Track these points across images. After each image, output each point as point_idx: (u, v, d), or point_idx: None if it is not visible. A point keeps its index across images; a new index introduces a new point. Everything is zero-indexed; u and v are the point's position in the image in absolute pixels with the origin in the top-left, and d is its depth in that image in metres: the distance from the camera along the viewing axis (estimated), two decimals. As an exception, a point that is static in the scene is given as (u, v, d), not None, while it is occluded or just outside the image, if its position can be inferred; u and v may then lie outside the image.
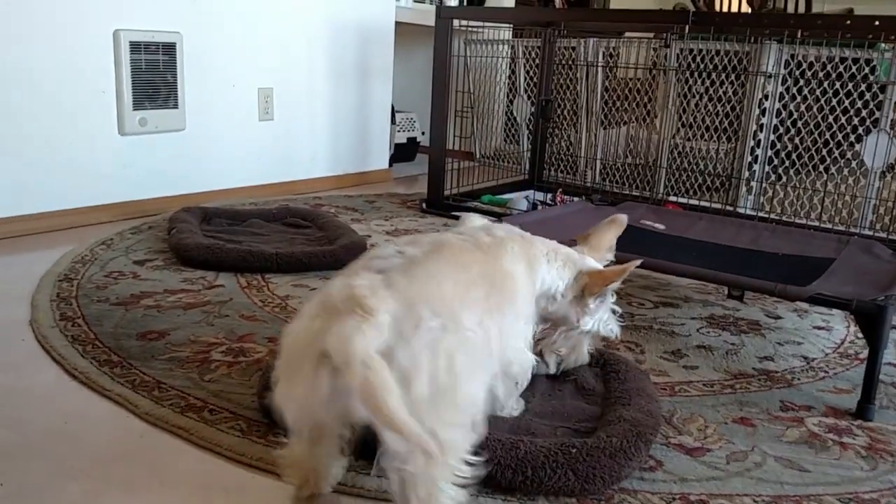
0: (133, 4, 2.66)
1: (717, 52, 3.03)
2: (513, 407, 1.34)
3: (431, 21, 3.09)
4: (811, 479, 1.25)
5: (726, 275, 1.76)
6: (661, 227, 2.16)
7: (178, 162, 2.90)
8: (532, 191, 3.37)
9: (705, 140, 3.17)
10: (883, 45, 2.67)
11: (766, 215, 2.81)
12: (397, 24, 3.72)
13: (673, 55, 3.18)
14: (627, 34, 3.59)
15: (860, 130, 2.74)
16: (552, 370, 1.48)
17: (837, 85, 2.74)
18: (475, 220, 1.36)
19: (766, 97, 2.93)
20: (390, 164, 3.88)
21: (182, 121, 2.87)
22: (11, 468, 1.18)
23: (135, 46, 2.66)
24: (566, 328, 1.41)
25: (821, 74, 2.78)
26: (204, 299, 1.92)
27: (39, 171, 2.50)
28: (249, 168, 3.18)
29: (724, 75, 3.04)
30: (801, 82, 2.82)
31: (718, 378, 1.63)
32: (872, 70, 2.69)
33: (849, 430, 1.43)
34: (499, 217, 2.44)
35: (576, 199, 3.16)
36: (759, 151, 2.97)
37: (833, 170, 2.83)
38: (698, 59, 3.10)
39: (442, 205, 3.12)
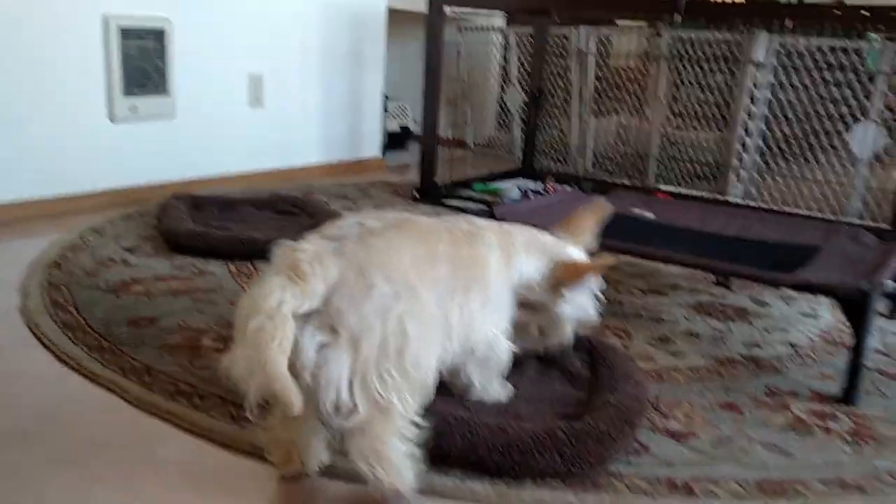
0: (122, -10, 2.64)
1: (708, 41, 3.04)
2: (498, 391, 1.35)
3: (423, 8, 3.09)
4: (796, 464, 1.27)
5: (714, 262, 1.78)
6: (650, 215, 2.18)
7: (169, 149, 2.89)
8: (524, 179, 3.38)
9: (695, 129, 3.18)
10: (872, 34, 2.68)
11: (755, 204, 2.82)
12: (389, 10, 3.71)
13: (665, 44, 3.19)
14: (619, 22, 3.59)
15: (849, 120, 2.76)
16: (539, 350, 1.49)
17: (827, 74, 2.75)
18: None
19: (756, 86, 2.94)
20: (382, 153, 3.88)
21: (172, 108, 2.86)
22: (3, 453, 1.18)
23: (125, 32, 2.64)
24: (546, 313, 1.42)
25: (810, 64, 2.79)
26: (194, 286, 1.92)
27: (30, 157, 2.49)
28: (240, 155, 3.17)
29: (714, 64, 3.05)
30: (791, 72, 2.83)
31: (705, 364, 1.65)
32: (861, 60, 2.70)
33: (834, 416, 1.45)
34: (489, 205, 2.44)
35: (567, 187, 3.17)
36: (748, 140, 2.99)
37: (822, 159, 2.85)
38: (689, 48, 3.10)
39: (434, 193, 3.12)
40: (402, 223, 1.15)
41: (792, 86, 2.85)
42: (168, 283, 1.94)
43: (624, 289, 2.12)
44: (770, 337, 1.83)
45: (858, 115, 2.72)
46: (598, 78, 3.46)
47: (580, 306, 1.40)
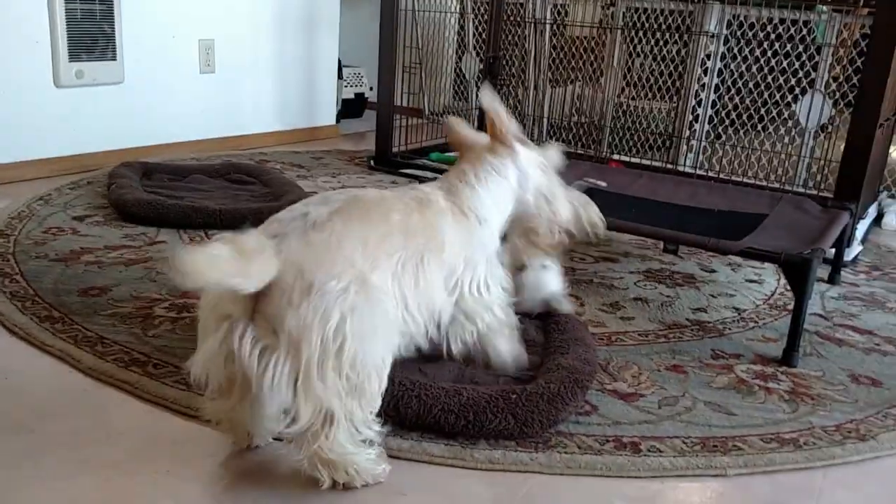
0: (65, -50, 2.55)
1: (662, 12, 3.07)
2: (505, 349, 1.32)
3: (378, -27, 3.05)
4: (737, 422, 1.32)
5: (663, 230, 1.82)
6: (603, 184, 2.21)
7: (117, 115, 2.82)
8: (479, 148, 3.38)
9: (649, 99, 3.22)
10: (821, 7, 2.74)
11: (706, 173, 2.89)
12: (344, -24, 3.65)
13: (619, 14, 3.21)
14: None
15: (797, 91, 2.82)
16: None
17: (776, 46, 2.81)
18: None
19: (709, 57, 2.99)
20: (338, 120, 3.84)
21: (120, 73, 2.79)
22: (-50, 423, 1.17)
23: (69, -6, 2.56)
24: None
25: (761, 35, 2.84)
26: (146, 255, 1.90)
27: (-30, 123, 2.42)
28: (191, 122, 3.11)
29: (668, 35, 3.08)
30: (742, 43, 2.88)
31: (653, 328, 1.70)
32: (810, 32, 2.76)
33: (774, 376, 1.51)
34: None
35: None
36: (700, 110, 3.04)
37: (770, 129, 2.92)
38: (644, 17, 3.13)
39: (390, 162, 3.11)
40: (352, 204, 1.12)
41: (743, 57, 2.90)
42: (119, 252, 1.91)
43: (577, 256, 2.16)
44: (716, 302, 1.89)
45: (806, 86, 2.78)
46: (553, 47, 3.47)
47: (534, 157, 1.37)
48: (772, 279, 2.09)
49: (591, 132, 3.36)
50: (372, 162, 3.15)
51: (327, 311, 0.98)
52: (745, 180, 2.84)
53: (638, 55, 3.21)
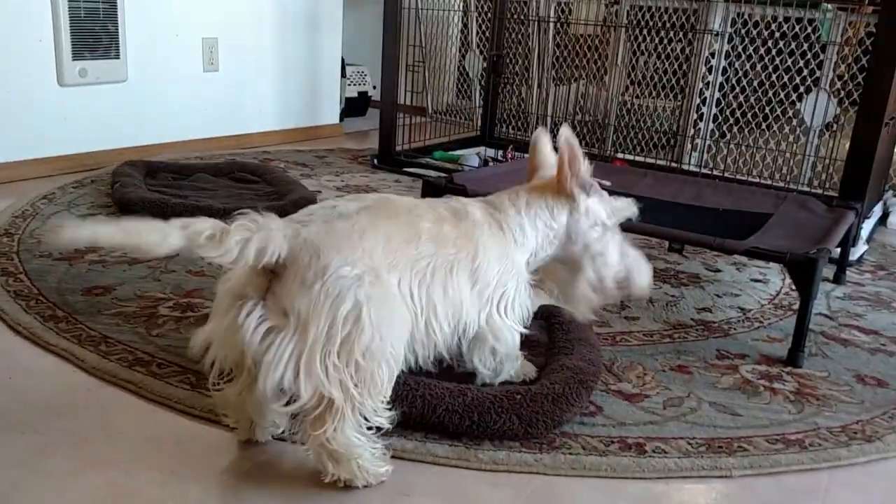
0: (69, -52, 2.55)
1: (667, 10, 3.06)
2: (509, 372, 1.30)
3: (382, -28, 3.04)
4: (742, 423, 1.32)
5: (668, 229, 1.81)
6: (607, 183, 2.20)
7: (121, 114, 2.82)
8: (483, 147, 3.38)
9: (653, 98, 3.21)
10: (825, 4, 2.72)
11: (710, 172, 2.88)
12: (347, -27, 3.65)
13: (624, 12, 3.20)
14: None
15: (801, 89, 2.81)
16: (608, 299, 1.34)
17: (781, 44, 2.80)
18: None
19: (713, 55, 2.98)
20: (341, 119, 3.84)
21: (124, 71, 2.79)
22: (-45, 423, 1.17)
23: (72, -7, 2.56)
24: (570, 260, 1.31)
25: (765, 33, 2.83)
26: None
27: (-26, 122, 2.42)
28: (195, 121, 3.11)
29: (672, 33, 3.07)
30: (747, 41, 2.87)
31: (658, 328, 1.69)
32: (814, 30, 2.75)
33: (779, 377, 1.50)
34: (449, 173, 2.45)
35: (527, 155, 3.18)
36: (704, 109, 3.03)
37: (775, 127, 2.91)
38: (648, 16, 3.12)
39: (393, 160, 3.11)
40: (382, 203, 1.12)
41: (748, 55, 2.89)
42: (123, 251, 1.91)
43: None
44: (721, 302, 1.89)
45: (811, 85, 2.77)
46: (557, 45, 3.47)
47: (594, 213, 1.29)
48: (777, 279, 2.08)
49: (595, 131, 3.35)
50: (375, 161, 3.14)
51: (341, 294, 0.98)
52: (750, 179, 2.83)
53: (642, 53, 3.20)
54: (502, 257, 1.21)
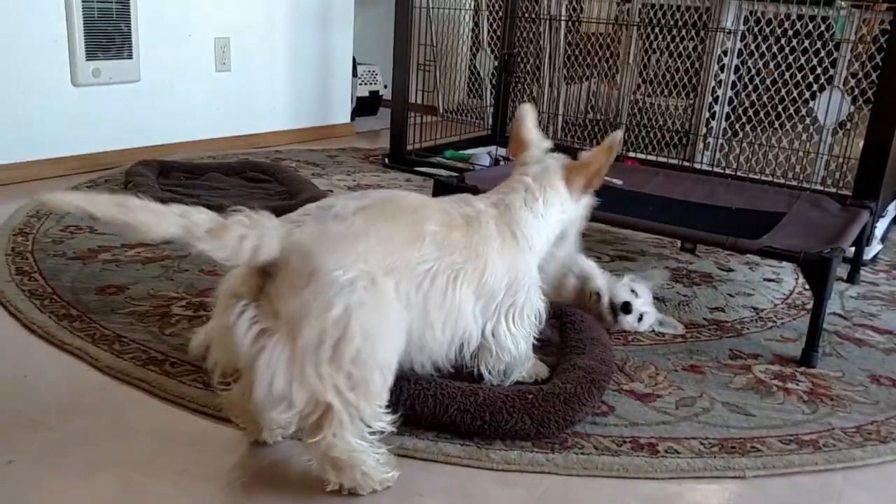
0: (83, -51, 2.57)
1: (679, 8, 3.05)
2: (520, 373, 1.30)
3: (393, -29, 3.04)
4: (755, 423, 1.31)
5: (680, 228, 1.81)
6: (618, 182, 2.20)
7: (134, 114, 2.84)
8: (494, 146, 3.38)
9: (665, 96, 3.20)
10: (840, 2, 2.70)
11: (722, 170, 2.86)
12: (358, -27, 3.65)
13: (635, 10, 3.19)
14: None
15: (815, 87, 2.79)
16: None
17: (794, 42, 2.78)
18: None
19: (726, 53, 2.96)
20: (352, 118, 3.85)
21: (137, 71, 2.80)
22: (-29, 421, 1.18)
23: (86, -6, 2.58)
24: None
25: (778, 31, 2.81)
26: (163, 254, 1.91)
27: (-11, 122, 2.44)
28: (207, 120, 3.12)
29: (684, 31, 3.06)
30: (760, 39, 2.86)
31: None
32: (828, 28, 2.73)
33: (793, 377, 1.50)
34: (460, 171, 2.45)
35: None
36: (716, 107, 3.02)
37: (788, 126, 2.89)
38: (660, 14, 3.11)
39: (404, 160, 3.11)
40: (383, 203, 1.09)
41: (760, 53, 2.88)
42: (136, 250, 1.92)
43: (593, 255, 2.14)
44: (734, 301, 1.88)
45: (824, 83, 2.75)
46: (569, 44, 3.46)
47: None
48: (790, 278, 2.07)
49: (607, 129, 3.34)
50: (387, 160, 3.15)
51: (330, 299, 0.96)
52: (763, 178, 2.82)
53: (654, 52, 3.19)
54: (513, 268, 1.20)
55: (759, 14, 2.84)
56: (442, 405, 1.18)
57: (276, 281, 0.98)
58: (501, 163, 3.12)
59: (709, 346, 1.61)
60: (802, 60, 2.78)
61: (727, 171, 2.84)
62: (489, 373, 1.25)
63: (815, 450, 1.23)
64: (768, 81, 2.89)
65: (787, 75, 2.83)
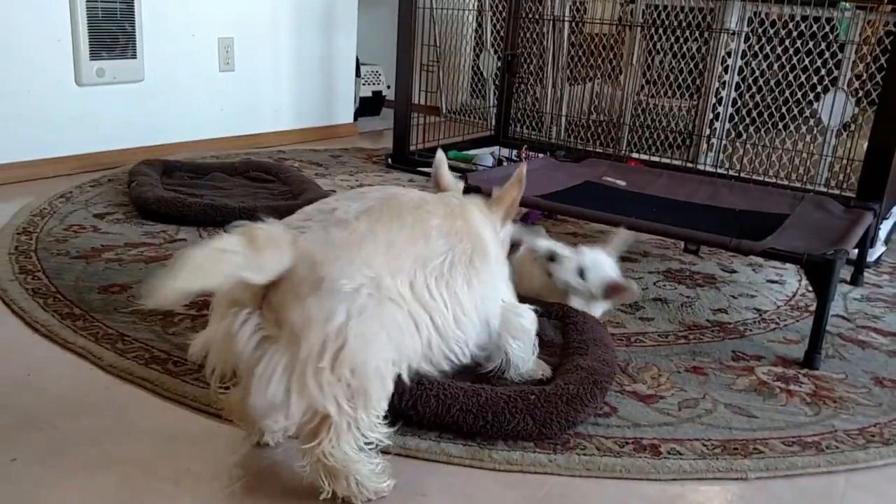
0: (87, -51, 2.57)
1: (682, 9, 3.04)
2: (532, 369, 1.32)
3: (397, -28, 3.04)
4: (758, 425, 1.31)
5: (683, 230, 1.81)
6: (622, 183, 2.20)
7: (138, 113, 2.84)
8: (498, 147, 3.38)
9: (668, 97, 3.20)
10: (844, 3, 2.70)
11: (726, 172, 2.86)
12: (362, -27, 3.66)
13: (639, 11, 3.19)
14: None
15: (819, 89, 2.79)
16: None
17: (798, 43, 2.77)
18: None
19: (729, 54, 2.96)
20: (355, 118, 3.85)
21: (141, 71, 2.81)
22: (-26, 419, 1.18)
23: (90, -7, 2.58)
24: None
25: (782, 32, 2.81)
26: (166, 253, 1.91)
27: (-7, 121, 2.44)
28: (211, 120, 3.13)
29: (688, 32, 3.06)
30: (764, 40, 2.85)
31: (673, 329, 1.69)
32: (832, 29, 2.73)
33: (796, 378, 1.49)
34: (463, 172, 2.45)
35: (540, 155, 3.17)
36: (720, 108, 3.01)
37: (792, 127, 2.88)
38: (663, 15, 3.11)
39: (408, 160, 3.11)
40: (384, 203, 1.08)
41: (764, 54, 2.87)
42: (139, 249, 1.93)
43: (595, 255, 2.14)
44: (737, 303, 1.88)
45: (828, 85, 2.75)
46: (572, 45, 3.46)
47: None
48: (793, 280, 2.06)
49: (610, 130, 3.34)
50: (390, 160, 3.15)
51: (333, 309, 0.95)
52: (767, 179, 2.81)
53: (657, 52, 3.19)
54: (500, 256, 1.28)
55: (763, 15, 2.84)
56: (444, 405, 1.18)
57: (280, 289, 0.97)
58: (504, 163, 3.12)
59: (711, 347, 1.61)
60: (806, 62, 2.78)
61: (731, 173, 2.84)
62: (520, 349, 1.28)
63: (817, 452, 1.23)
64: (772, 83, 2.89)
65: (790, 77, 2.82)
